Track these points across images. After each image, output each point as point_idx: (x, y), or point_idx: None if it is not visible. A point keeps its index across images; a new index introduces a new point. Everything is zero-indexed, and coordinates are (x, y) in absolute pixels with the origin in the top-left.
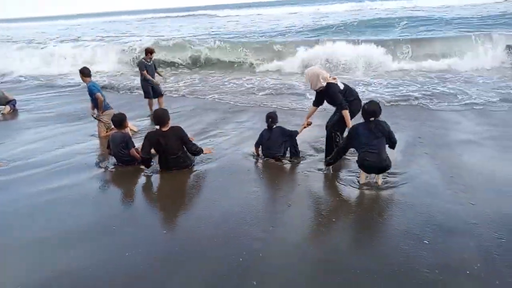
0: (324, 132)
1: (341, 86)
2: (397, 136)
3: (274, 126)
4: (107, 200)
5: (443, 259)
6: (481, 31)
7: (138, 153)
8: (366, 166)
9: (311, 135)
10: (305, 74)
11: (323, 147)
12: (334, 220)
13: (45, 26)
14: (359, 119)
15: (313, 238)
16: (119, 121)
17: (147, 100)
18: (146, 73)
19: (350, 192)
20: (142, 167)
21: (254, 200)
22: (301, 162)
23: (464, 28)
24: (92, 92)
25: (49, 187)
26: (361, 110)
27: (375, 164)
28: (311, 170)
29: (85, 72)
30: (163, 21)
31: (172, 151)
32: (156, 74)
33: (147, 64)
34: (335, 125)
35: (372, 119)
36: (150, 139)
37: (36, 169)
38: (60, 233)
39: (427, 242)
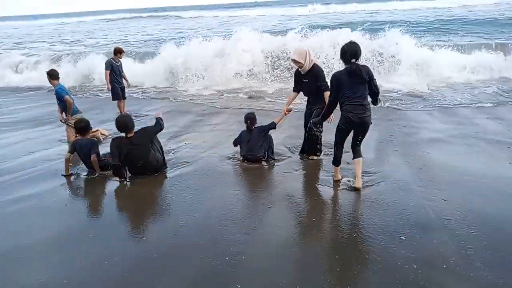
0: (299, 133)
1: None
2: (368, 134)
3: (253, 127)
4: (81, 207)
5: (420, 254)
6: None
7: (98, 162)
8: (350, 122)
9: (287, 136)
10: (296, 51)
11: (299, 147)
12: (314, 219)
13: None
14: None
15: (294, 239)
16: (83, 128)
17: (116, 102)
18: (108, 74)
19: (327, 192)
20: (115, 179)
21: (233, 203)
22: (278, 163)
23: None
24: (60, 95)
25: (17, 196)
26: (340, 52)
27: (361, 119)
28: (288, 171)
29: (53, 75)
30: (131, 21)
31: (138, 158)
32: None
33: (114, 64)
34: (317, 123)
35: (354, 61)
36: (118, 144)
37: (2, 178)
38: (30, 245)
39: (404, 238)
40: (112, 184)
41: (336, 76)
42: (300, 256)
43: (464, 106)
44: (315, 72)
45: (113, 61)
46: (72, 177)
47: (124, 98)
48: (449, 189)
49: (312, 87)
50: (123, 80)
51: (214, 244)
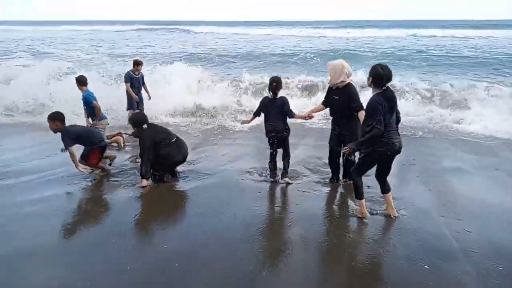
0: (319, 153)
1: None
2: None
3: (279, 96)
4: (104, 212)
5: (442, 282)
6: None
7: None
8: (393, 150)
9: (307, 156)
10: (329, 65)
11: (318, 167)
12: (334, 241)
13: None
14: None
15: (314, 261)
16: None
17: (129, 111)
18: (129, 86)
19: (348, 215)
20: (141, 184)
21: (253, 218)
22: (297, 181)
23: None
24: (89, 100)
25: (36, 197)
26: (373, 75)
27: (399, 148)
28: (307, 190)
29: (82, 80)
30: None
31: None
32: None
33: (133, 77)
34: (355, 149)
35: (389, 84)
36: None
37: (22, 178)
38: (50, 246)
39: (427, 266)
40: (133, 192)
41: (379, 102)
42: (319, 279)
43: (487, 138)
44: (348, 90)
45: (131, 73)
46: (93, 182)
47: (140, 109)
48: (472, 219)
49: (341, 106)
50: (144, 92)
51: (233, 257)
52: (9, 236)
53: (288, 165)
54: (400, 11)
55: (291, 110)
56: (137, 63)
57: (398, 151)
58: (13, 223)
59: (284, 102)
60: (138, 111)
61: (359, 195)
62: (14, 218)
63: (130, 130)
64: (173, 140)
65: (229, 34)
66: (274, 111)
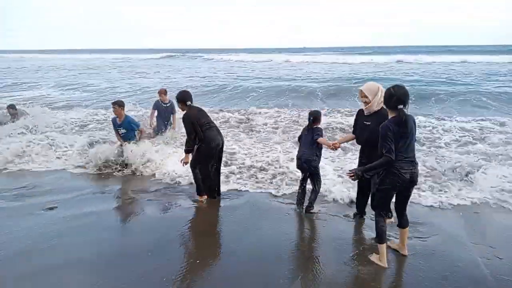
0: None
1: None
2: None
3: (315, 127)
4: (139, 227)
5: None
6: None
7: None
8: (401, 183)
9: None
10: (367, 84)
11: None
12: (360, 268)
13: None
14: None
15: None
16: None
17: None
18: (152, 113)
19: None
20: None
21: (281, 239)
22: (324, 205)
23: None
24: (137, 124)
25: (81, 212)
26: (384, 94)
27: (412, 179)
28: (334, 214)
29: (122, 105)
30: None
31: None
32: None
33: (161, 105)
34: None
35: (401, 107)
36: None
37: (69, 194)
38: (90, 258)
39: None
40: (169, 209)
41: (389, 127)
42: None
43: None
44: (382, 115)
45: (160, 102)
46: (129, 200)
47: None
48: (503, 247)
49: (373, 133)
50: (169, 123)
51: (262, 278)
52: (59, 248)
53: (315, 199)
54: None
55: (318, 134)
56: (160, 92)
57: (412, 183)
58: (63, 237)
59: (316, 130)
60: (181, 90)
61: (380, 238)
62: (63, 232)
63: None
64: (213, 125)
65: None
66: (306, 140)
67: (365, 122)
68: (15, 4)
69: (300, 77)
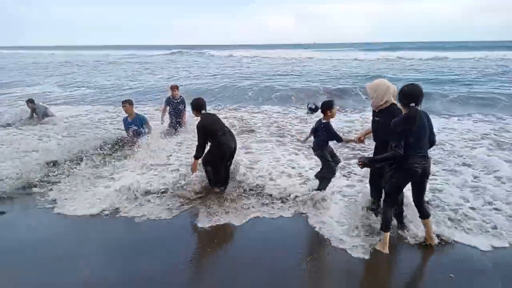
0: None
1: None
2: None
3: (322, 120)
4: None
5: None
6: None
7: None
8: (412, 177)
9: None
10: (370, 86)
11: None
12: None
13: None
14: None
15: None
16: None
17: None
18: (163, 108)
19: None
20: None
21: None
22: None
23: None
24: (145, 119)
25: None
26: (399, 94)
27: (424, 173)
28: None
29: (132, 103)
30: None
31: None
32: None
33: (172, 101)
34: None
35: (413, 105)
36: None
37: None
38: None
39: None
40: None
41: (400, 123)
42: None
43: None
44: (392, 111)
45: (171, 98)
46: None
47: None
48: None
49: (382, 130)
50: (181, 118)
51: None
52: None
53: (322, 178)
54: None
55: (335, 134)
56: (171, 88)
57: (424, 176)
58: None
59: (328, 129)
60: (196, 98)
61: (386, 227)
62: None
63: None
64: (226, 130)
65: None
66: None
67: (375, 118)
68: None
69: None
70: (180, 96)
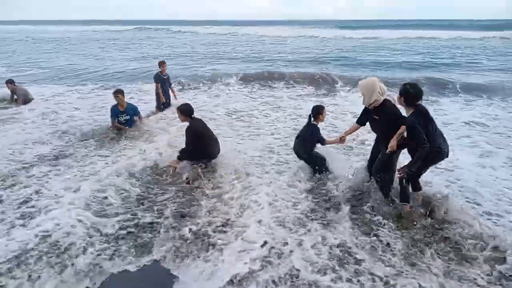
0: None
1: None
2: None
3: (312, 121)
4: None
5: None
6: None
7: None
8: (441, 158)
9: None
10: (360, 85)
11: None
12: None
13: None
14: None
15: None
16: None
17: (154, 109)
18: (159, 87)
19: None
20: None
21: None
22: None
23: None
24: (138, 112)
25: None
26: (404, 94)
27: (447, 153)
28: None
29: (124, 93)
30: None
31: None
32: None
33: (163, 78)
34: (382, 169)
35: (419, 102)
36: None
37: None
38: None
39: None
40: None
41: (415, 121)
42: None
43: None
44: (386, 109)
45: (160, 74)
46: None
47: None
48: None
49: (382, 126)
50: (171, 93)
51: None
52: None
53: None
54: None
55: (319, 136)
56: (160, 64)
57: (447, 156)
58: None
59: (312, 130)
60: (184, 104)
61: (407, 200)
62: None
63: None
64: (214, 136)
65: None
66: (302, 133)
67: (374, 117)
68: None
69: None
70: (167, 73)
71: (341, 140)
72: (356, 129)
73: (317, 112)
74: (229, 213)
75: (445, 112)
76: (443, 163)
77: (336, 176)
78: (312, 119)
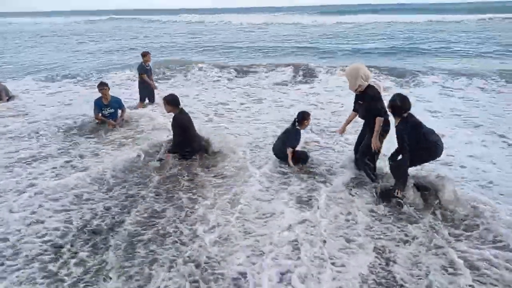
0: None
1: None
2: None
3: (296, 126)
4: None
5: None
6: None
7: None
8: (437, 154)
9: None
10: (345, 70)
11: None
12: None
13: None
14: None
15: None
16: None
17: (138, 103)
18: (146, 77)
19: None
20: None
21: None
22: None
23: None
24: (123, 105)
25: None
26: (391, 106)
27: (441, 150)
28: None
29: (108, 86)
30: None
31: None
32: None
33: (146, 68)
34: (365, 153)
35: (406, 114)
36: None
37: None
38: None
39: None
40: None
41: (403, 129)
42: None
43: None
44: (369, 95)
45: (144, 64)
46: None
47: (152, 102)
48: None
49: (366, 110)
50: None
51: None
52: None
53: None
54: None
55: (291, 142)
56: (144, 54)
57: (441, 153)
58: None
59: (294, 134)
60: (170, 94)
61: (405, 185)
62: None
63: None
64: (197, 134)
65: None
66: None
67: (359, 102)
68: None
69: None
70: (149, 64)
71: (340, 133)
72: (354, 117)
73: (303, 117)
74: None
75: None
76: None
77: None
78: (297, 124)
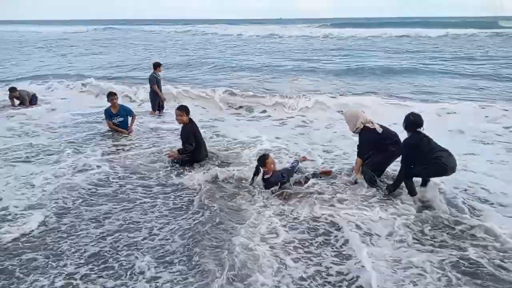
0: None
1: (379, 130)
2: None
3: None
4: None
5: None
6: None
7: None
8: (443, 171)
9: None
10: (345, 114)
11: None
12: None
13: None
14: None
15: None
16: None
17: (150, 111)
18: (156, 88)
19: None
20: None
21: None
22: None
23: None
24: (132, 112)
25: None
26: (407, 123)
27: (451, 167)
28: None
29: (117, 95)
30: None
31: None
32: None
33: (158, 79)
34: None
35: (419, 129)
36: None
37: None
38: None
39: None
40: None
41: (410, 144)
42: None
43: None
44: (361, 135)
45: (155, 75)
46: None
47: (161, 109)
48: None
49: (359, 148)
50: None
51: None
52: None
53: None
54: None
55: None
56: (157, 65)
57: (451, 170)
58: None
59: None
60: (183, 105)
61: (413, 193)
62: None
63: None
64: (204, 142)
65: None
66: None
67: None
68: None
69: None
70: (159, 75)
71: (355, 182)
72: (362, 163)
73: (263, 162)
74: None
75: None
76: None
77: None
78: (260, 168)
